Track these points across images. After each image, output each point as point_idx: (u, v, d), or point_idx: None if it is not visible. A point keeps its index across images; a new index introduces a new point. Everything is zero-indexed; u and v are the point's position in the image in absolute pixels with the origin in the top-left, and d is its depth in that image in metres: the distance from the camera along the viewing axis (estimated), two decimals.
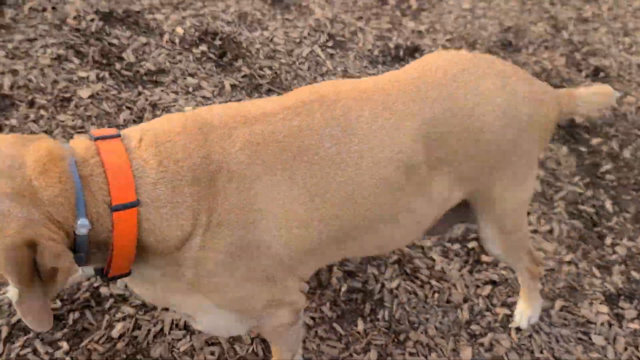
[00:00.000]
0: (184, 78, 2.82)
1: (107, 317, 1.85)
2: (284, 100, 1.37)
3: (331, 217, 1.35)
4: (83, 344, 1.76)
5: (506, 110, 1.51)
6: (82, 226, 1.09)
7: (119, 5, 3.19)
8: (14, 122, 2.37)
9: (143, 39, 3.00)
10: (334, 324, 1.97)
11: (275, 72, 3.02)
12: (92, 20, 3.02)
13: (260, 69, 3.02)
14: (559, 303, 2.16)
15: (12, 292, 1.36)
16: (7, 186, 1.03)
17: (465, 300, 2.12)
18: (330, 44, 3.37)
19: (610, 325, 2.11)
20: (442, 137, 1.45)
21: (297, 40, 3.30)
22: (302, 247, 1.34)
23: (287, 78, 3.01)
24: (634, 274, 2.32)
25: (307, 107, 1.35)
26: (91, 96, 2.57)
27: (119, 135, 1.20)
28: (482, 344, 1.99)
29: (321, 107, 1.35)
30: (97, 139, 1.17)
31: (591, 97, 1.73)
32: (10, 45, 2.73)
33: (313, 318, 1.98)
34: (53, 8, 3.04)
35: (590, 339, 2.06)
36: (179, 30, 3.13)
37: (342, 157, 1.34)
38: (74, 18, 3.00)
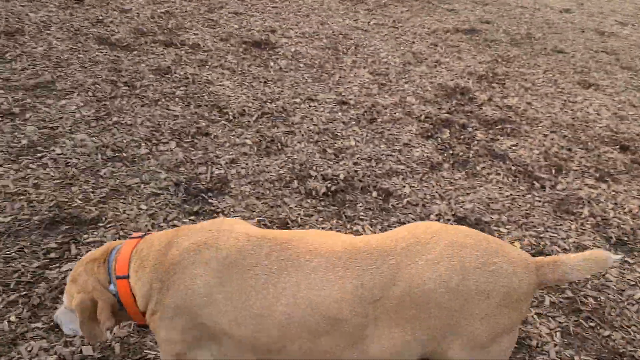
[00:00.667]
0: None
1: None
2: (255, 231, 1.77)
3: (246, 326, 1.66)
4: None
5: (449, 281, 1.60)
6: (112, 289, 1.84)
7: (473, 214, 3.85)
8: None
9: None
10: None
11: (600, 304, 3.10)
12: (450, 221, 3.73)
13: (585, 296, 3.14)
14: None
15: (60, 316, 2.01)
16: (87, 268, 1.87)
17: None
18: None
19: None
20: (382, 300, 1.60)
21: (632, 282, 3.32)
22: (223, 332, 1.70)
23: (610, 313, 3.04)
24: None
25: (262, 240, 1.73)
26: None
27: (141, 237, 1.91)
28: None
29: (275, 245, 1.71)
30: (130, 237, 1.92)
31: (582, 264, 1.71)
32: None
33: None
34: (423, 205, 3.90)
35: None
36: (517, 244, 3.56)
37: (265, 286, 1.64)
38: (436, 214, 3.77)
